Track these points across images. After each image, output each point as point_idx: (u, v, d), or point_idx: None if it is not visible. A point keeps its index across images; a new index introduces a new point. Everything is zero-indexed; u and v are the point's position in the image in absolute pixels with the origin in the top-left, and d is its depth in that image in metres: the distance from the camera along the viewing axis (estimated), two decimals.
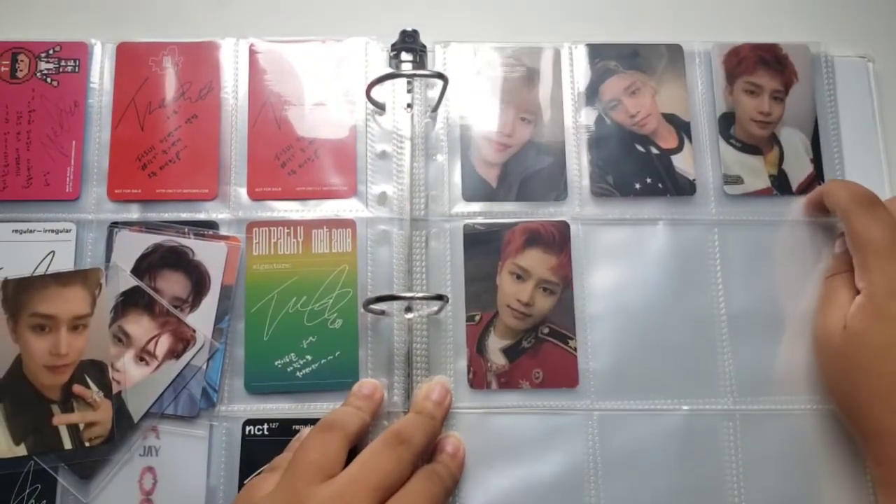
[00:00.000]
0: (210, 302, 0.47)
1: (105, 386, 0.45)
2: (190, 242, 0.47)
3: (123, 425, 0.45)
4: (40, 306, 0.46)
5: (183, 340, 0.46)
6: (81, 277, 0.46)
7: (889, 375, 0.41)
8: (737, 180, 0.50)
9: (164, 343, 0.46)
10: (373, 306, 0.46)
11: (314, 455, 0.39)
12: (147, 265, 0.47)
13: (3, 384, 0.45)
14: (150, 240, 0.47)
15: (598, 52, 0.52)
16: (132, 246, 0.47)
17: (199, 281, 0.47)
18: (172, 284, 0.47)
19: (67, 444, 0.45)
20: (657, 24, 0.54)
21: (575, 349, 0.48)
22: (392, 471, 0.39)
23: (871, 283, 0.43)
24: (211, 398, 0.46)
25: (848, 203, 0.45)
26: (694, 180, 0.50)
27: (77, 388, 0.45)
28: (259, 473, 0.44)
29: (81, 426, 0.45)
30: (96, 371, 0.46)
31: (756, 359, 0.48)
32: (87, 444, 0.45)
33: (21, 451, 0.44)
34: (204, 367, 0.46)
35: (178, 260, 0.47)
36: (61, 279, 0.46)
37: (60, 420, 0.45)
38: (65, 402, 0.45)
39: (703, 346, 0.48)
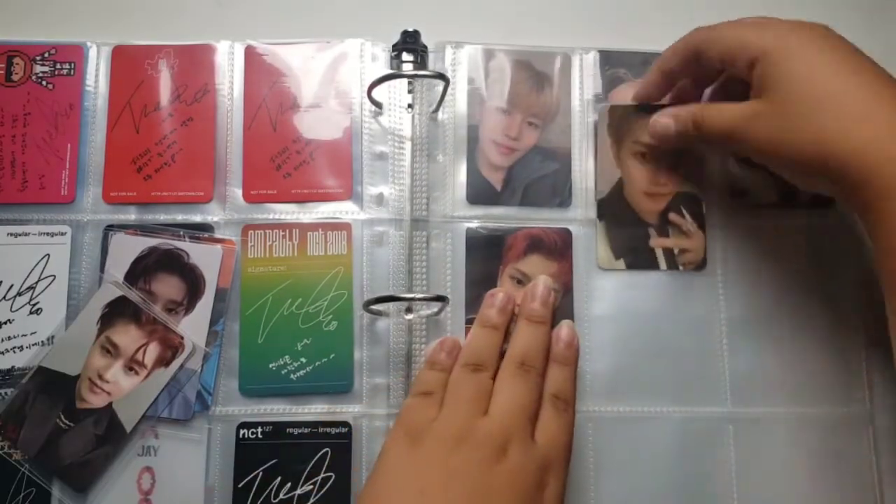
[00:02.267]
0: (205, 305, 0.47)
1: (699, 216, 0.49)
2: (185, 245, 0.48)
3: (116, 436, 0.45)
4: (643, 136, 0.49)
5: (171, 348, 0.46)
6: None
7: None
8: (743, 193, 0.50)
9: (152, 352, 0.46)
10: (372, 307, 0.46)
11: (471, 391, 0.41)
12: (142, 268, 0.47)
13: (605, 203, 0.49)
14: (145, 243, 0.48)
15: (608, 60, 0.52)
16: (127, 249, 0.47)
17: (194, 284, 0.47)
18: (168, 287, 0.47)
19: (663, 266, 0.49)
20: (668, 32, 0.53)
21: None
22: (532, 401, 0.41)
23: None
24: (205, 401, 0.46)
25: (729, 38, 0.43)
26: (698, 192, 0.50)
27: (673, 216, 0.49)
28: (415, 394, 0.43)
29: (676, 251, 0.48)
30: (691, 203, 0.49)
31: (754, 364, 0.48)
32: (680, 268, 0.49)
33: (620, 265, 0.49)
34: (199, 370, 0.46)
35: (173, 263, 0.47)
36: None
37: (657, 243, 0.49)
38: (661, 227, 0.49)
39: (701, 351, 0.48)
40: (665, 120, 0.47)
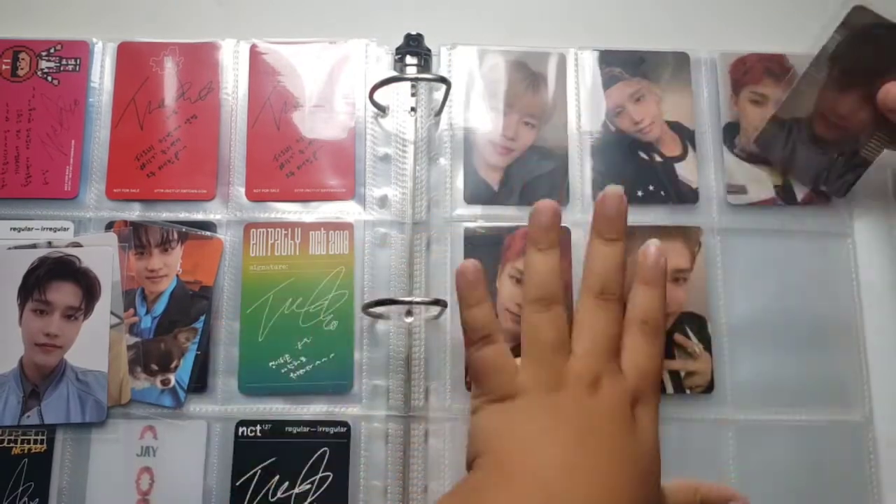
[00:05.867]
0: (103, 305, 0.47)
1: (704, 339, 0.48)
2: (75, 251, 0.47)
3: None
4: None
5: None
6: (682, 233, 0.49)
7: None
8: (740, 190, 0.50)
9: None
10: (371, 310, 0.46)
11: (550, 335, 0.41)
12: (35, 279, 0.47)
13: None
14: (33, 254, 0.47)
15: (603, 59, 0.52)
16: (15, 263, 0.47)
17: (89, 287, 0.47)
18: (64, 295, 0.47)
19: (669, 390, 0.47)
20: (664, 31, 0.53)
21: None
22: (616, 332, 0.41)
23: None
24: (178, 397, 0.46)
25: None
26: (697, 189, 0.50)
27: (678, 338, 0.48)
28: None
29: (682, 374, 0.47)
30: (696, 323, 0.48)
31: (756, 368, 0.48)
32: (687, 391, 0.47)
33: None
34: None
35: (65, 270, 0.47)
36: (665, 232, 0.49)
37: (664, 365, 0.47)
38: (667, 349, 0.47)
39: None
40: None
